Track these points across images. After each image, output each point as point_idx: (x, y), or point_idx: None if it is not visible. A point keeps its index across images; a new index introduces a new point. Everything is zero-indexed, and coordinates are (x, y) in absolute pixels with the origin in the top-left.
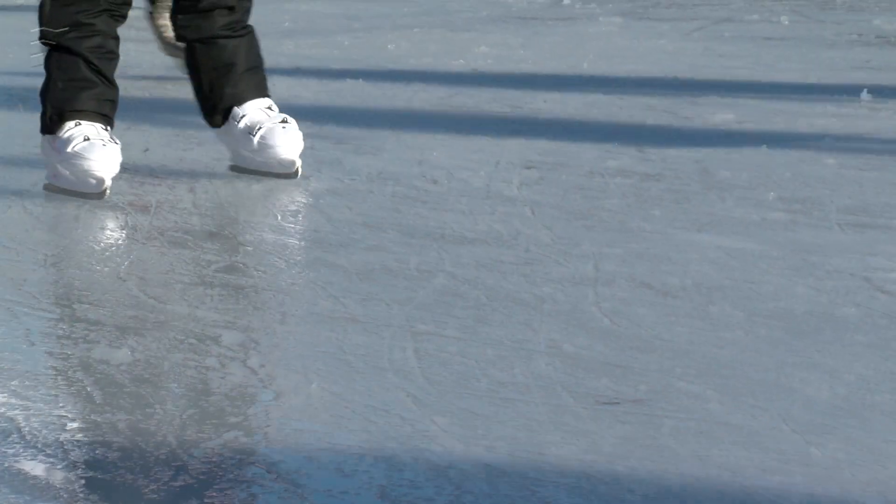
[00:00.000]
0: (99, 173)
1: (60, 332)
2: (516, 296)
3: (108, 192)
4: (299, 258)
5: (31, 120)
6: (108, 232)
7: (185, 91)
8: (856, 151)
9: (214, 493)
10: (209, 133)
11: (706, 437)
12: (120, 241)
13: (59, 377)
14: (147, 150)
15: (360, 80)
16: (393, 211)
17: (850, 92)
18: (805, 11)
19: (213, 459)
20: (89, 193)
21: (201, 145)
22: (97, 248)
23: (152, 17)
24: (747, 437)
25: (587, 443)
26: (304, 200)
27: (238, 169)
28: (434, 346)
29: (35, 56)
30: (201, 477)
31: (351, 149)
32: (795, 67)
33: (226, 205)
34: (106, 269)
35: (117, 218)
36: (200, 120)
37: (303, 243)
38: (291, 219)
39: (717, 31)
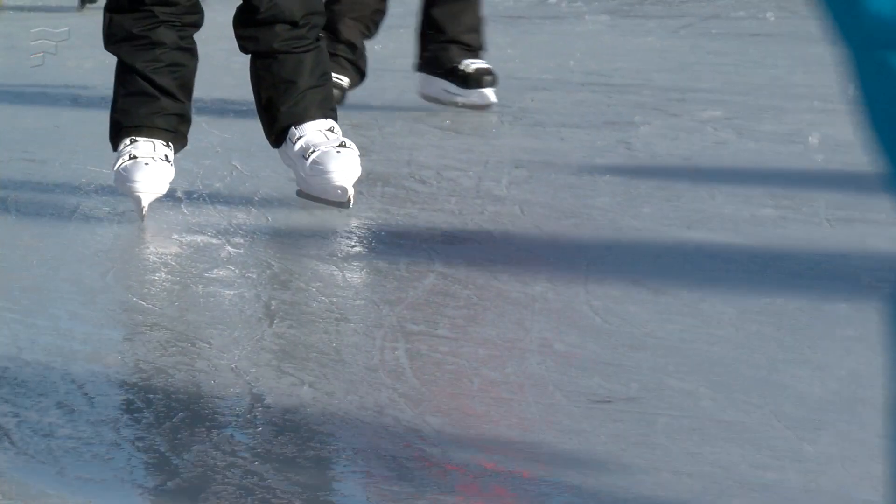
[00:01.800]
0: (138, 194)
1: (48, 336)
2: (507, 295)
3: (145, 212)
4: (289, 260)
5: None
6: (96, 237)
7: None
8: (843, 146)
9: (206, 496)
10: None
11: (699, 434)
12: (107, 246)
13: (48, 382)
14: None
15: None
16: (382, 211)
17: (836, 87)
18: (791, 7)
19: (205, 462)
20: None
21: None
22: (86, 252)
23: None
24: (740, 433)
25: (580, 441)
26: (292, 203)
27: (303, 195)
28: (426, 346)
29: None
30: (193, 480)
31: None
32: (782, 63)
33: (213, 207)
34: (95, 273)
35: (105, 223)
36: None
37: (292, 245)
38: (280, 220)
39: (704, 28)
